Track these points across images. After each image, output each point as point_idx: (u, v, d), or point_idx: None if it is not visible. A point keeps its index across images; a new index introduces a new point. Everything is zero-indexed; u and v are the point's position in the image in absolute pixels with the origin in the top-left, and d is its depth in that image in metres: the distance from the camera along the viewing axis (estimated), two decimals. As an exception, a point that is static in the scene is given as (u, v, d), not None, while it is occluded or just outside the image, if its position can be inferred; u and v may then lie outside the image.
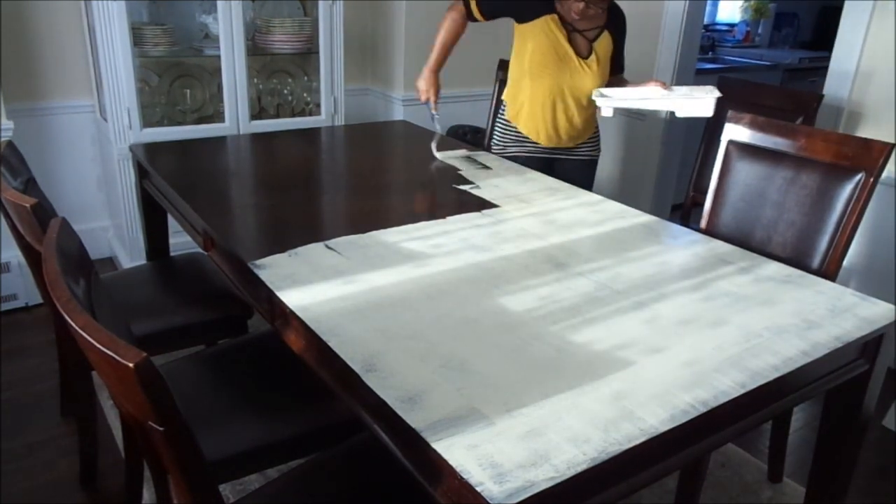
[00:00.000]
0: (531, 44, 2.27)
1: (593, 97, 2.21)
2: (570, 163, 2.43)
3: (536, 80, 2.31)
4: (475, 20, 2.34)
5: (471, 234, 1.63)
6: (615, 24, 2.29)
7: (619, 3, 2.32)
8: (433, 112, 2.32)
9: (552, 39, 2.24)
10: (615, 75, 2.37)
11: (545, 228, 1.69)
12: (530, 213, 1.80)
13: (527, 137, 2.41)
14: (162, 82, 2.95)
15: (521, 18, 2.27)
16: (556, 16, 2.22)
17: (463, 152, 2.25)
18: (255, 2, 3.05)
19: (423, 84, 2.35)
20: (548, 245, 1.59)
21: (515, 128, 2.42)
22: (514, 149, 2.43)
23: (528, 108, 2.36)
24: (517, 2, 2.27)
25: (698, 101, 1.93)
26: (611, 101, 2.07)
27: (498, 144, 2.47)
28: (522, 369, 1.09)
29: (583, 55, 2.26)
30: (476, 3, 2.28)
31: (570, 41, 2.25)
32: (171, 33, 2.80)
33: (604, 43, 2.27)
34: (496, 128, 2.50)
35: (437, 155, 2.21)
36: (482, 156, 2.33)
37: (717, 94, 2.04)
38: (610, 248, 1.59)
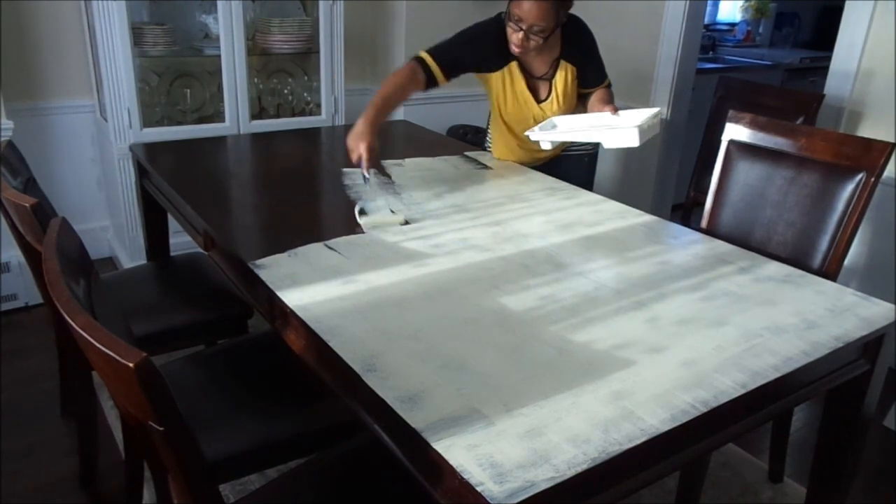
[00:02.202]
0: (493, 94, 2.22)
1: (527, 133, 2.06)
2: (565, 161, 2.37)
3: (507, 126, 2.27)
4: (435, 85, 2.09)
5: (471, 233, 1.63)
6: (572, 48, 2.15)
7: (623, 2, 2.29)
8: (364, 174, 1.83)
9: (511, 88, 2.18)
10: (593, 88, 2.21)
11: (545, 228, 1.69)
12: (530, 212, 1.80)
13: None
14: (162, 82, 2.95)
15: (485, 71, 2.17)
16: (516, 63, 2.14)
17: (399, 218, 1.70)
18: (255, 2, 3.05)
19: (353, 141, 1.85)
20: (548, 245, 1.59)
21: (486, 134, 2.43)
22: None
23: (508, 151, 2.31)
24: (478, 56, 2.12)
25: (623, 132, 1.85)
26: (545, 134, 2.03)
27: (486, 148, 2.47)
28: (522, 369, 1.09)
29: (541, 98, 2.20)
30: (437, 65, 2.05)
31: (530, 87, 2.18)
32: (171, 33, 2.80)
33: (561, 76, 2.17)
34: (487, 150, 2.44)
35: (360, 221, 1.68)
36: (482, 155, 2.33)
37: (648, 119, 1.91)
38: (610, 248, 1.59)
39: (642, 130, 1.84)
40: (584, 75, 2.21)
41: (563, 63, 2.16)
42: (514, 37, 2.01)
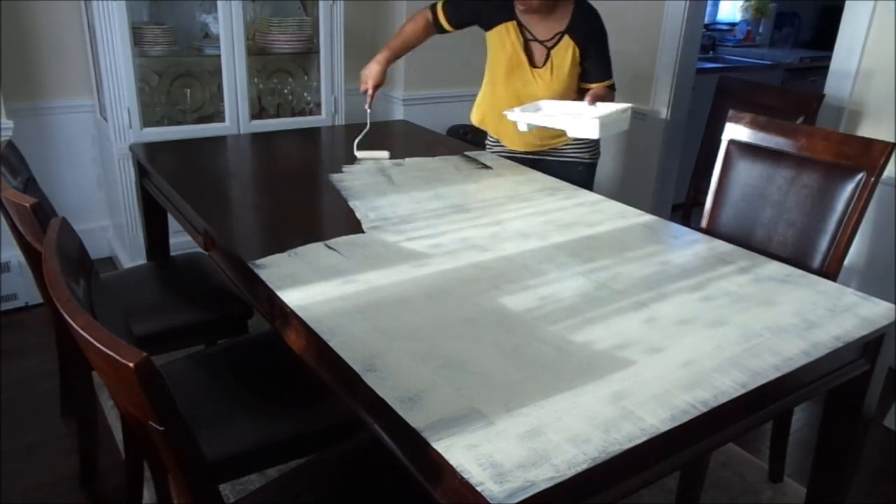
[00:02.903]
0: (491, 51, 2.28)
1: (505, 112, 2.10)
2: (555, 164, 2.36)
3: (495, 87, 2.32)
4: (443, 30, 2.33)
5: (471, 233, 1.63)
6: (580, 30, 2.17)
7: (623, 2, 2.29)
8: (367, 107, 2.25)
9: (507, 47, 2.21)
10: (594, 82, 2.23)
11: (545, 228, 1.69)
12: (530, 212, 1.80)
13: (498, 141, 2.43)
14: (162, 82, 2.95)
15: (486, 26, 2.26)
16: (515, 22, 2.20)
17: (385, 154, 2.19)
18: (255, 2, 3.05)
19: (367, 72, 2.26)
20: (548, 245, 1.59)
21: (486, 132, 2.46)
22: (496, 149, 2.45)
23: (492, 115, 2.36)
24: (481, 9, 2.25)
25: (584, 123, 1.90)
26: (522, 116, 2.05)
27: (486, 144, 2.51)
28: (522, 369, 1.09)
29: (536, 64, 2.22)
30: (443, 12, 2.28)
31: (526, 49, 2.21)
32: (171, 33, 2.80)
33: (562, 50, 2.18)
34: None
35: (357, 154, 2.18)
36: (482, 155, 2.33)
37: (614, 113, 1.98)
38: (610, 247, 1.59)
39: (603, 124, 1.90)
40: (587, 66, 2.21)
41: (566, 38, 2.18)
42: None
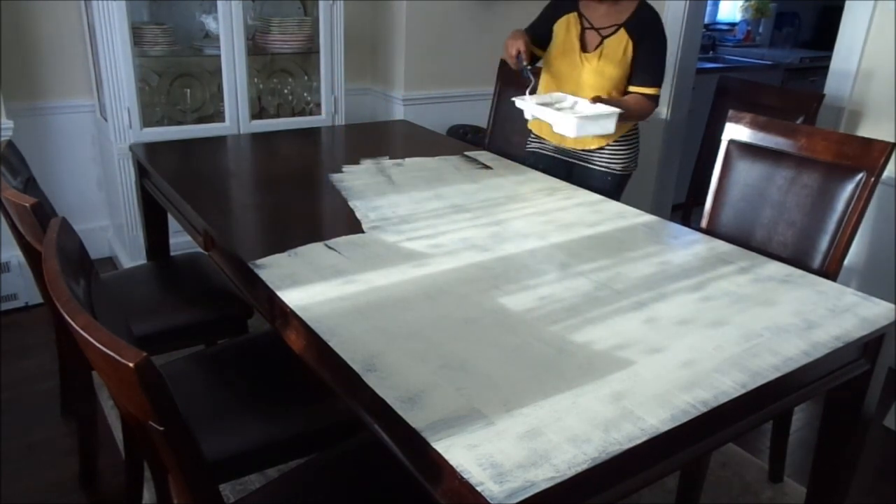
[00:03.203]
0: (551, 44, 2.30)
1: (513, 98, 2.14)
2: (585, 172, 2.35)
3: (545, 74, 2.34)
4: (536, 58, 2.32)
5: (471, 233, 1.63)
6: (638, 24, 2.17)
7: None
8: (524, 64, 2.18)
9: (564, 35, 2.25)
10: (636, 86, 2.20)
11: (545, 228, 1.69)
12: (530, 212, 1.80)
13: (538, 136, 2.44)
14: (162, 82, 2.95)
15: (554, 21, 2.30)
16: (576, 13, 2.24)
17: (548, 98, 2.14)
18: (255, 2, 3.05)
19: (511, 38, 2.19)
20: (548, 245, 1.59)
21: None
22: (533, 145, 2.47)
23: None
24: (550, 13, 2.30)
25: (565, 120, 1.95)
26: (525, 104, 2.07)
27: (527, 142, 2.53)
28: (522, 369, 1.09)
29: (587, 49, 2.23)
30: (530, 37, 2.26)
31: (581, 36, 2.24)
32: (171, 33, 2.80)
33: (616, 41, 2.18)
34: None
35: (524, 99, 2.13)
36: (482, 155, 2.33)
37: (597, 115, 2.00)
38: (610, 247, 1.59)
39: (581, 124, 1.94)
40: (634, 67, 2.20)
41: (622, 30, 2.19)
42: None
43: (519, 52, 2.16)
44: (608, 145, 2.30)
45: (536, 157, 2.43)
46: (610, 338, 1.19)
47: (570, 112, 2.05)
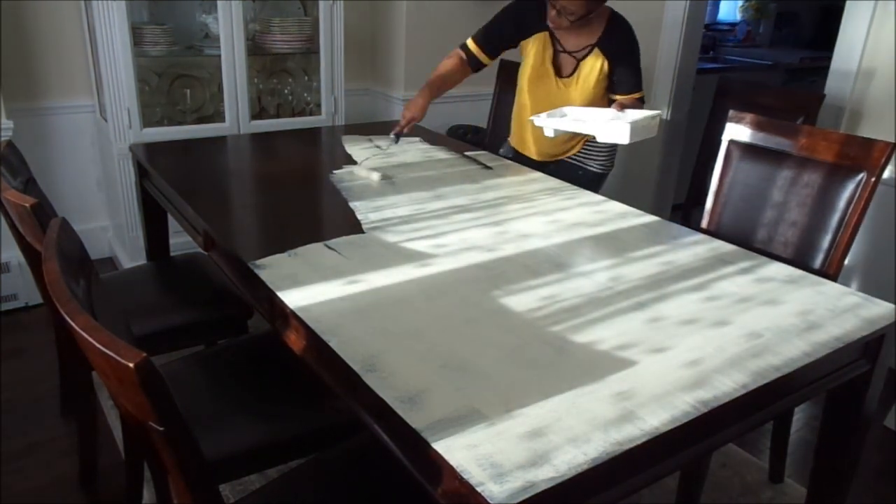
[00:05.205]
0: (524, 61, 2.28)
1: (532, 118, 2.11)
2: (557, 167, 2.36)
3: (520, 95, 2.33)
4: (480, 66, 2.29)
5: (471, 234, 1.63)
6: (610, 42, 2.17)
7: (623, 2, 2.30)
8: (392, 134, 2.21)
9: (537, 57, 2.22)
10: (623, 93, 2.22)
11: (547, 228, 1.69)
12: (532, 213, 1.79)
13: (514, 149, 2.45)
14: (162, 82, 2.95)
15: (522, 38, 2.25)
16: (547, 33, 2.20)
17: (376, 178, 1.99)
18: (255, 2, 3.05)
19: (411, 105, 2.20)
20: (549, 245, 1.59)
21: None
22: (508, 156, 2.46)
23: (515, 122, 2.37)
24: (515, 26, 2.23)
25: (616, 128, 1.91)
26: (550, 121, 2.06)
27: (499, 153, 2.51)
28: (523, 369, 1.09)
29: (563, 74, 2.23)
30: (478, 47, 2.25)
31: (555, 60, 2.22)
32: (171, 33, 2.80)
33: (591, 62, 2.18)
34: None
35: (355, 169, 2.07)
36: (482, 156, 2.33)
37: (644, 119, 1.99)
38: (612, 248, 1.59)
39: (635, 129, 1.90)
40: (617, 78, 2.21)
41: (596, 50, 2.18)
42: (551, 13, 2.10)
43: (410, 122, 2.18)
44: (587, 143, 2.34)
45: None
46: (611, 338, 1.19)
47: (618, 120, 2.00)
